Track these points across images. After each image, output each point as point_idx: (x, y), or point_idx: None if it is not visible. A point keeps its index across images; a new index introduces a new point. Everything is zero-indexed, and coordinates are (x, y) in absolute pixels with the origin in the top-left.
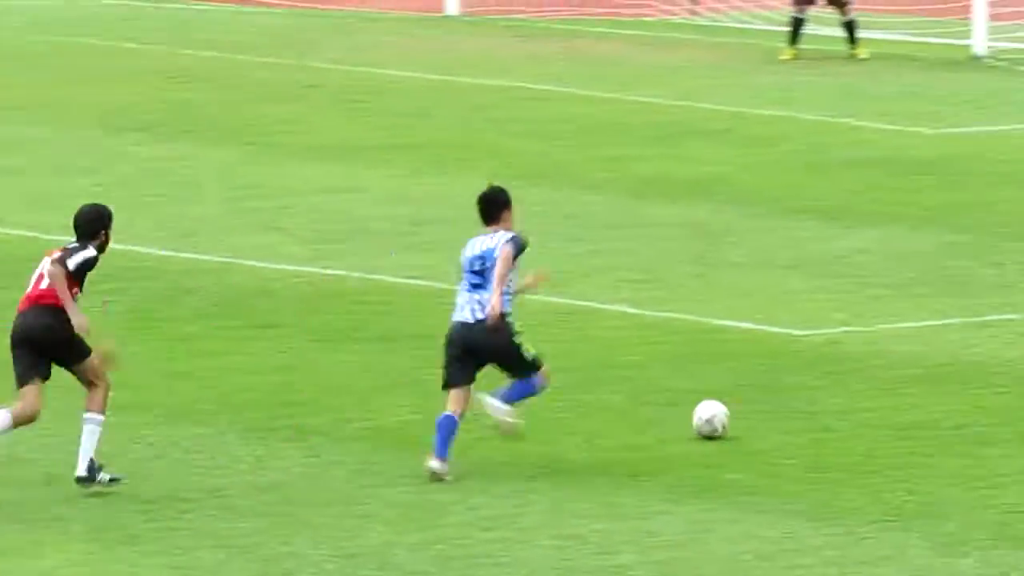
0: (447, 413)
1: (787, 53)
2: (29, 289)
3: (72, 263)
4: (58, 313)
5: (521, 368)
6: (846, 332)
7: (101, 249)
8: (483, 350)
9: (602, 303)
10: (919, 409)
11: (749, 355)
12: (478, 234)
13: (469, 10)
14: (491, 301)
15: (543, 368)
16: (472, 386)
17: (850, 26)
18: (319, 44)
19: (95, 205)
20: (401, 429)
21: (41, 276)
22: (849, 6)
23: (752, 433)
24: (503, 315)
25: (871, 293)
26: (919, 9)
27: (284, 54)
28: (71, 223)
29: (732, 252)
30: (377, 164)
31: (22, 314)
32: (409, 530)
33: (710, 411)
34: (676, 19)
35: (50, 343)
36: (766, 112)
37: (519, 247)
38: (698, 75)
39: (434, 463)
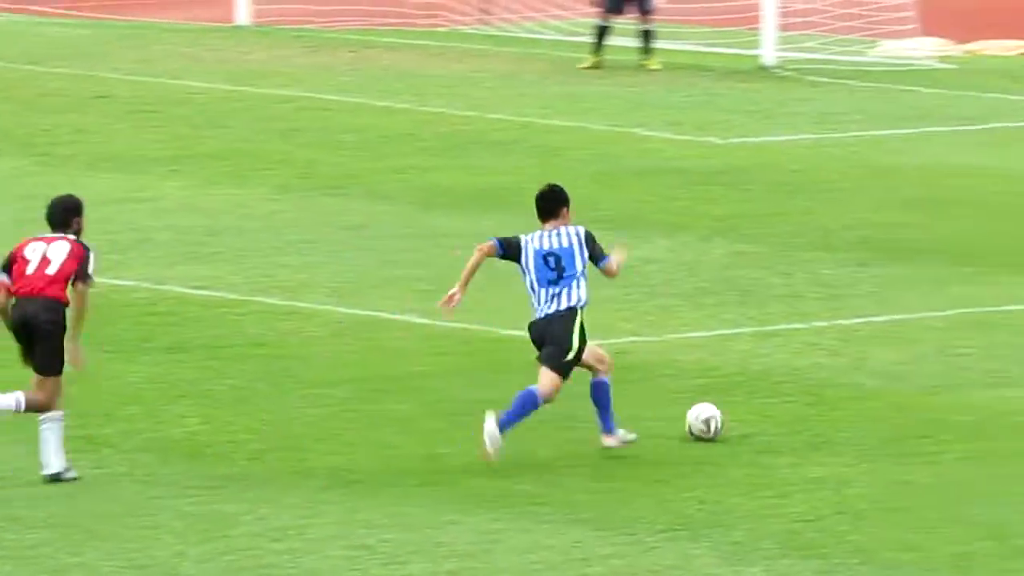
0: (600, 378)
1: (589, 61)
2: (33, 272)
3: (92, 272)
4: (62, 309)
5: (549, 359)
6: (635, 342)
7: (79, 235)
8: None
9: (392, 313)
10: None
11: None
12: (538, 231)
13: (260, 20)
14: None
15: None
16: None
17: (647, 35)
18: (110, 55)
19: (66, 195)
20: (189, 439)
21: (46, 261)
22: (652, 15)
23: (541, 443)
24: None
25: (660, 303)
26: (708, 19)
27: (75, 64)
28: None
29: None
30: (168, 174)
31: (30, 300)
32: (198, 541)
33: (708, 412)
34: (466, 29)
35: (46, 336)
36: (555, 122)
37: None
38: (488, 85)
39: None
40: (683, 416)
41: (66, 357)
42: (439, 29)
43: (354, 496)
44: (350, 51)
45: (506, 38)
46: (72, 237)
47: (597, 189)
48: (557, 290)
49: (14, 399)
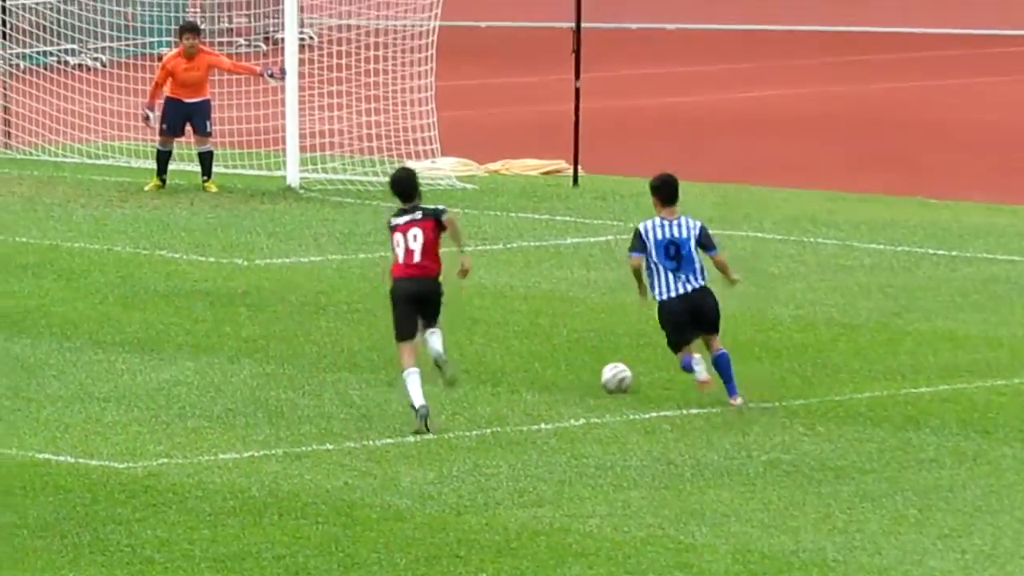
0: (720, 351)
1: (153, 183)
2: (403, 259)
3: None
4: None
5: (717, 323)
6: (165, 464)
7: None
8: (704, 310)
9: None
10: (239, 541)
11: (70, 488)
12: (656, 217)
13: None
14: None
15: None
16: None
17: (206, 157)
18: None
19: (406, 169)
20: None
21: (409, 252)
22: (210, 137)
23: (84, 570)
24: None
25: (191, 425)
26: (232, 141)
27: None
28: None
29: (50, 385)
30: None
31: (415, 280)
32: None
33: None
34: None
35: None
36: (80, 245)
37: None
38: (13, 209)
39: (735, 400)
40: (214, 538)
41: None
42: None
43: None
44: None
45: (29, 161)
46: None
47: (123, 311)
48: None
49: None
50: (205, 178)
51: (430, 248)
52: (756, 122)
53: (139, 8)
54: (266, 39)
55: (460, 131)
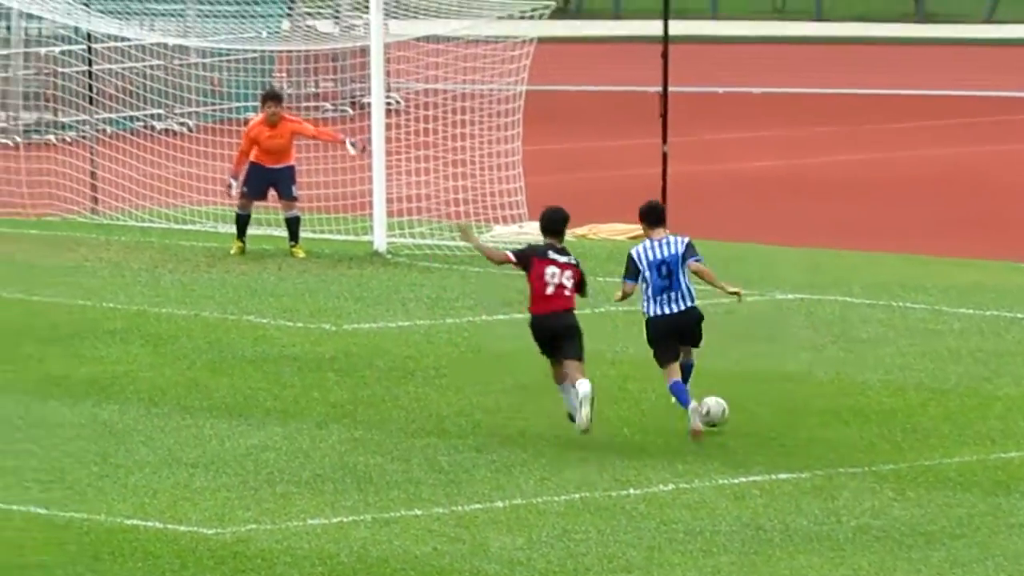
0: (675, 380)
1: (236, 246)
2: (553, 291)
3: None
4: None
5: (699, 339)
6: (254, 530)
7: None
8: (689, 326)
9: (10, 504)
10: None
11: (159, 554)
12: (646, 240)
13: None
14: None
15: None
16: None
17: (293, 222)
18: None
19: (558, 209)
20: None
21: (562, 287)
22: (296, 201)
23: None
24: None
25: (279, 490)
26: (319, 206)
27: None
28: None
29: (138, 451)
30: None
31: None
32: None
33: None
34: (78, 219)
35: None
36: (167, 310)
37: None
38: (101, 274)
39: (696, 422)
40: None
41: None
42: (50, 219)
43: None
44: None
45: (115, 227)
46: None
47: (210, 376)
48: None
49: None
50: (292, 243)
51: (574, 293)
52: (844, 186)
53: (225, 73)
54: (352, 104)
55: (547, 195)
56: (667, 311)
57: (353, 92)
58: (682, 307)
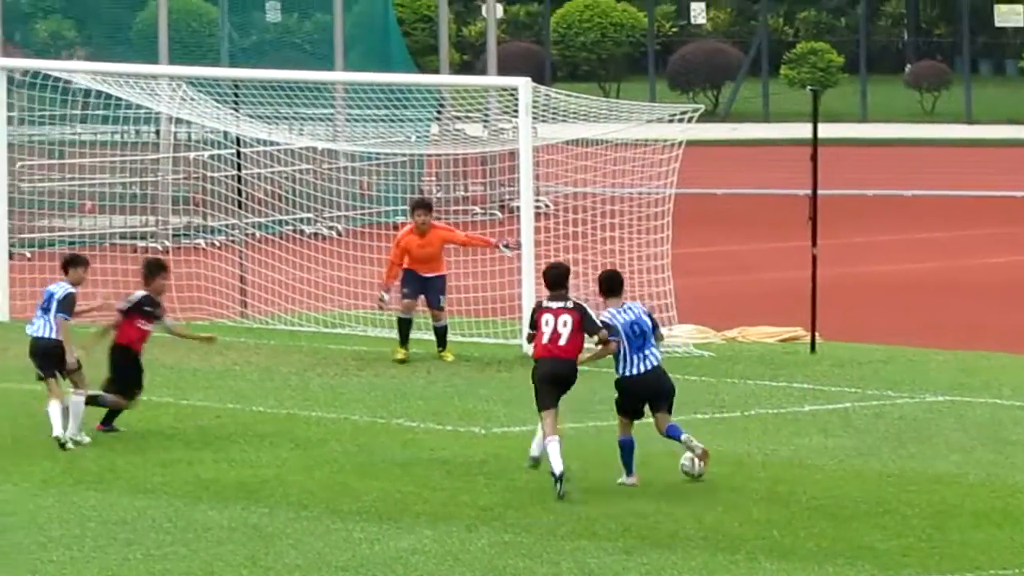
0: (671, 424)
1: (400, 352)
2: (549, 339)
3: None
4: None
5: (671, 402)
6: None
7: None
8: (661, 390)
9: None
10: None
11: None
12: (611, 308)
13: (19, 316)
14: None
15: None
16: None
17: (443, 331)
18: None
19: (562, 265)
20: None
21: (557, 334)
22: (443, 310)
23: None
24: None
25: None
26: (468, 310)
27: None
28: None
29: (288, 554)
30: None
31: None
32: None
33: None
34: (227, 323)
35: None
36: (316, 414)
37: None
38: (250, 378)
39: (628, 479)
40: None
41: None
42: (199, 321)
43: None
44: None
45: (266, 331)
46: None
47: (359, 480)
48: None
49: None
50: (441, 349)
51: (574, 336)
52: (993, 288)
53: (375, 177)
54: (502, 207)
55: (696, 298)
56: (642, 369)
57: (502, 195)
58: (654, 364)
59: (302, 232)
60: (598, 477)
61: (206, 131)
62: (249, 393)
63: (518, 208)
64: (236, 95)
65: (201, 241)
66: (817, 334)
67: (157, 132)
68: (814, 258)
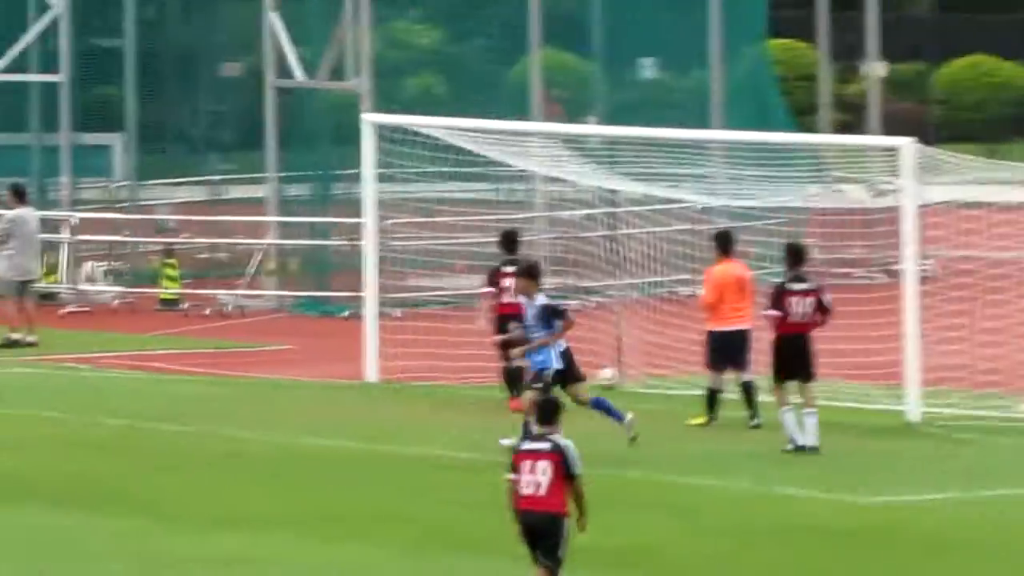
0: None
1: (700, 419)
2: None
3: None
4: None
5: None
6: None
7: None
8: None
9: None
10: None
11: None
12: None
13: (388, 377)
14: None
15: None
16: None
17: (748, 388)
18: (239, 412)
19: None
20: None
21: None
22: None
23: None
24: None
25: None
26: (852, 375)
27: (200, 422)
28: None
29: None
30: (297, 534)
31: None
32: None
33: None
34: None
35: None
36: (693, 481)
37: None
38: (622, 442)
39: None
40: None
41: None
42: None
43: None
44: (479, 407)
45: (640, 395)
46: None
47: (737, 548)
48: None
49: None
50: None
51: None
52: None
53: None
54: (885, 271)
55: None
56: None
57: (886, 258)
58: None
59: (676, 293)
60: (985, 550)
61: (580, 190)
62: (623, 457)
63: (901, 272)
64: (611, 153)
65: (576, 302)
66: None
67: (531, 191)
68: None
